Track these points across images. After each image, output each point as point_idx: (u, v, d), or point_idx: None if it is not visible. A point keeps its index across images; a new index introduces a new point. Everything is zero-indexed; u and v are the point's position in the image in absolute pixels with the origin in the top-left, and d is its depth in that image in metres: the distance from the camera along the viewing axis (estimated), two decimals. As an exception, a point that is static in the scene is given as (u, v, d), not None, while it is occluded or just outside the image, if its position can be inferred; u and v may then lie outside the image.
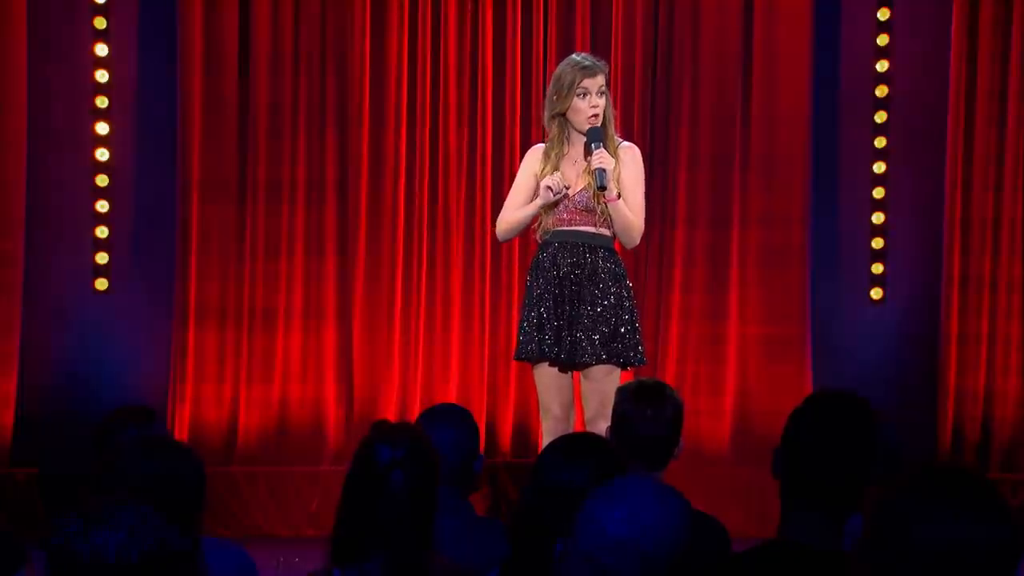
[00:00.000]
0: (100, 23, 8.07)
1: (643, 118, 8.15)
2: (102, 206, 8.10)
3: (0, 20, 7.94)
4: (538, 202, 5.88)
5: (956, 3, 8.04)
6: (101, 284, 8.11)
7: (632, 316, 5.86)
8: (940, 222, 8.12)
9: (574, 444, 3.23)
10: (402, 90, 8.13)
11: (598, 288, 5.82)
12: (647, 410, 4.18)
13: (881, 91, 8.21)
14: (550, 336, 5.83)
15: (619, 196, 5.81)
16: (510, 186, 8.01)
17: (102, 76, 8.08)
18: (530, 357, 5.89)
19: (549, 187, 5.82)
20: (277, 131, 8.12)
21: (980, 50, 8.07)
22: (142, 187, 8.17)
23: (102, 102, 8.08)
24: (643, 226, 5.92)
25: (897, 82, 8.21)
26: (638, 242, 5.96)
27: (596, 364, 5.80)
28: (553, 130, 5.93)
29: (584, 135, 5.87)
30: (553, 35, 8.15)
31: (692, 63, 8.19)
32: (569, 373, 5.87)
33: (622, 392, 4.33)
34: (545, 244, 5.92)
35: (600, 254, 5.85)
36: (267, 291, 8.10)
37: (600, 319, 5.80)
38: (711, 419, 8.04)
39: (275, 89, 8.11)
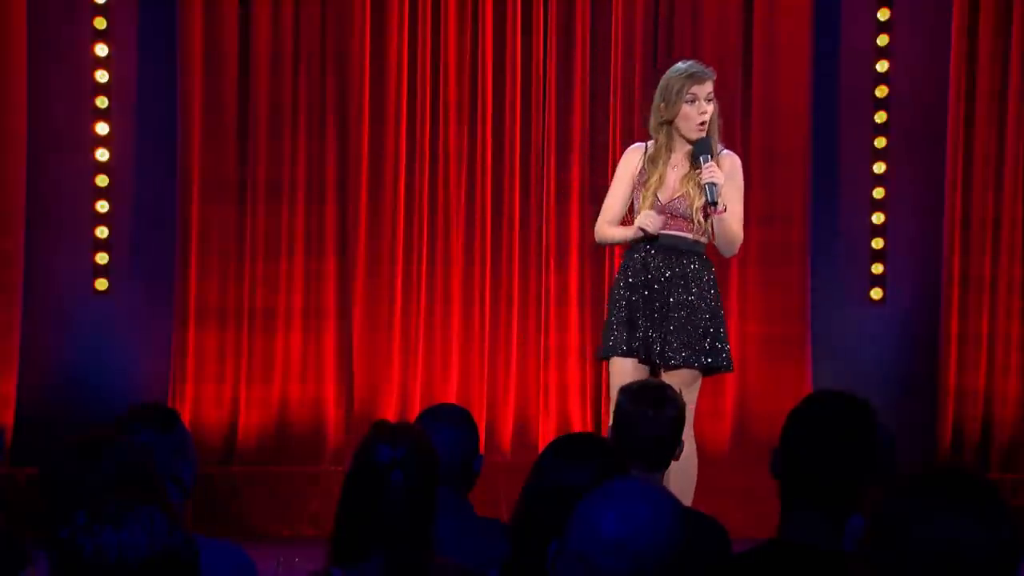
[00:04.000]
0: (100, 23, 8.07)
1: (644, 118, 8.13)
2: (102, 206, 8.09)
3: (0, 20, 7.94)
4: (630, 234, 5.99)
5: (956, 3, 8.03)
6: (101, 284, 8.11)
7: (720, 323, 5.95)
8: (940, 222, 8.12)
9: (575, 444, 3.23)
10: (402, 90, 8.13)
11: (687, 292, 5.91)
12: (648, 411, 4.19)
13: (881, 91, 8.21)
14: (637, 336, 5.93)
15: (725, 208, 5.86)
16: (510, 186, 8.12)
17: (102, 76, 8.08)
18: (615, 354, 5.96)
19: (644, 228, 5.91)
20: (277, 131, 8.11)
21: (980, 50, 8.06)
22: (142, 187, 8.17)
23: (102, 102, 8.08)
24: (743, 236, 6.04)
25: (897, 82, 8.21)
26: (737, 252, 6.11)
27: (680, 368, 5.88)
28: (660, 138, 6.02)
29: (690, 142, 5.96)
30: (553, 35, 8.15)
31: (692, 63, 8.19)
32: (647, 369, 5.94)
33: (623, 392, 4.34)
34: (637, 246, 6.00)
35: (692, 259, 5.96)
36: (267, 291, 8.10)
37: (690, 322, 5.90)
38: (711, 419, 8.04)
39: (275, 89, 8.11)
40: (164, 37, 8.10)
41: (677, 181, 5.97)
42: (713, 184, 5.81)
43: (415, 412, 7.30)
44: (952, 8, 8.05)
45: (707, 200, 5.84)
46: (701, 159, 5.87)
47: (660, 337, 5.93)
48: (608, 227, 6.12)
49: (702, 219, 5.92)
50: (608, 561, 2.32)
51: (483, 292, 8.14)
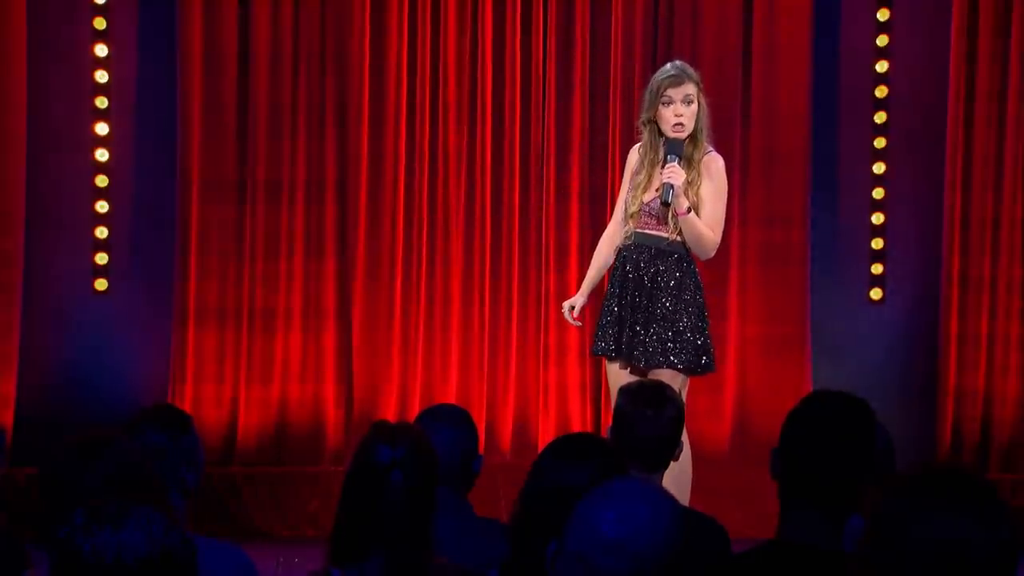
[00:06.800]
0: (100, 23, 8.07)
1: (643, 118, 8.14)
2: (102, 206, 8.09)
3: (0, 20, 7.94)
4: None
5: (956, 3, 8.03)
6: (101, 284, 8.11)
7: (698, 322, 5.99)
8: (940, 222, 8.13)
9: (574, 445, 3.23)
10: (402, 90, 8.12)
11: (663, 293, 6.00)
12: (647, 411, 4.19)
13: (881, 91, 8.21)
14: (618, 336, 6.09)
15: (689, 209, 5.91)
16: (510, 186, 8.13)
17: (102, 76, 8.08)
18: (596, 353, 6.22)
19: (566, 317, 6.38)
20: (277, 131, 8.11)
21: (980, 50, 8.06)
22: (142, 187, 8.17)
23: (102, 102, 8.08)
24: (718, 238, 6.10)
25: (897, 82, 8.21)
26: (712, 254, 6.17)
27: (660, 368, 5.94)
28: (645, 135, 6.16)
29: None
30: (553, 35, 8.15)
31: (692, 63, 8.17)
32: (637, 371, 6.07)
33: (623, 392, 4.35)
34: (626, 246, 6.13)
35: (671, 259, 6.03)
36: (267, 291, 8.10)
37: (665, 323, 5.99)
38: (711, 419, 8.04)
39: (275, 89, 8.11)
40: (164, 37, 8.09)
41: (659, 182, 6.05)
42: (669, 185, 5.91)
43: (415, 412, 7.31)
44: (952, 8, 8.05)
45: (660, 200, 5.95)
46: (668, 158, 5.98)
47: (638, 338, 6.04)
48: (601, 245, 6.39)
49: (675, 217, 6.01)
50: (608, 561, 2.32)
51: (483, 292, 8.14)
